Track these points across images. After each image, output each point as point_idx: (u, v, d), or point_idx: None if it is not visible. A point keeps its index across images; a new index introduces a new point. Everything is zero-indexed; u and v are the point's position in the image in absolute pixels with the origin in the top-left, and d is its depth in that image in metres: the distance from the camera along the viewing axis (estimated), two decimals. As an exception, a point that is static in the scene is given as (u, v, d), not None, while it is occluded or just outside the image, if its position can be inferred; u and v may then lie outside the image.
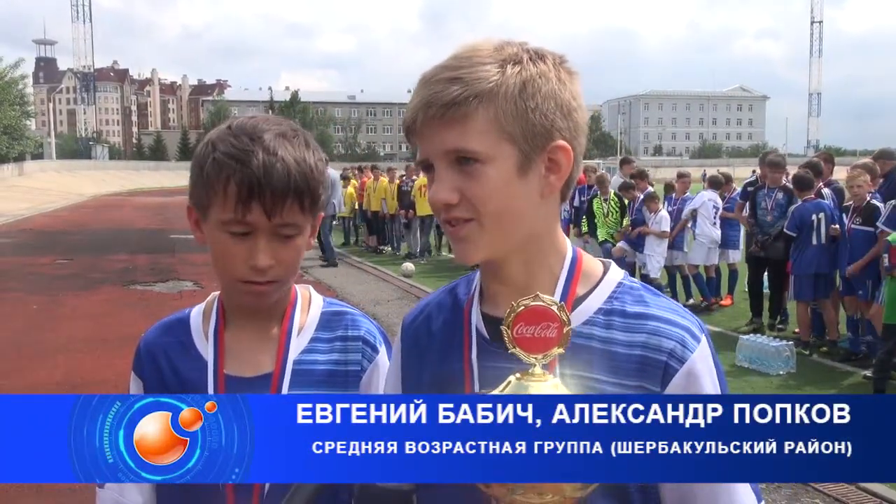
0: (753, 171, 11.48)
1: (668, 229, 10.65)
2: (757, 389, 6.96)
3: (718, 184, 11.11)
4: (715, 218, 10.62)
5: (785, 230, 8.27)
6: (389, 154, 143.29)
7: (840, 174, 9.87)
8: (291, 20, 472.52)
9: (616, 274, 1.22)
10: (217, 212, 1.35)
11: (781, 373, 7.43)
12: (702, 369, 1.13)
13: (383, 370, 1.46)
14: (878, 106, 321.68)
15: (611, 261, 1.26)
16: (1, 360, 8.18)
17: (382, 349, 1.50)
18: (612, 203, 11.53)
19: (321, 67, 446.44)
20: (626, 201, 11.37)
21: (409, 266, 14.47)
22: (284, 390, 1.40)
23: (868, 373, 7.28)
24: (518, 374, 1.04)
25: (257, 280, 1.35)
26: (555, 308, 1.03)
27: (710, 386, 1.13)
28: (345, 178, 20.83)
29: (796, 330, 8.87)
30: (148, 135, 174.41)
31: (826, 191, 8.64)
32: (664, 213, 10.81)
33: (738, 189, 11.15)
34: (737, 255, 11.01)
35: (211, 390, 1.39)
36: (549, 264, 1.19)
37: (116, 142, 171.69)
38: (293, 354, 1.44)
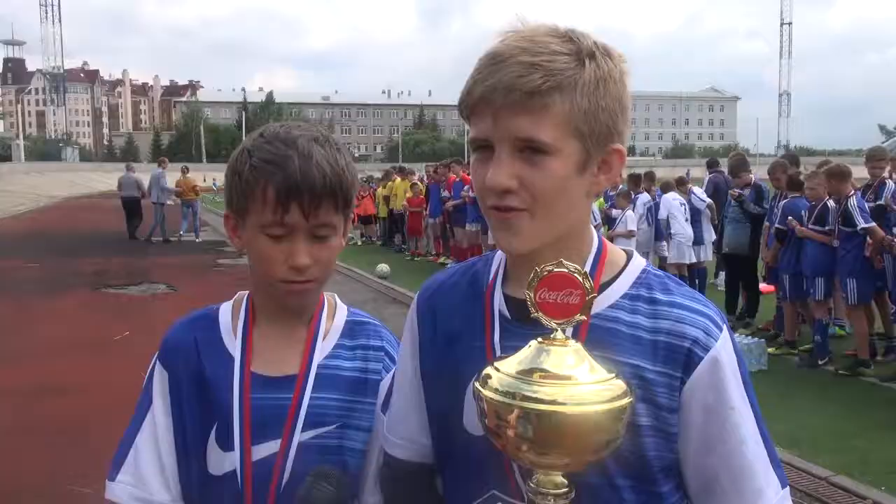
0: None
1: (634, 228, 10.76)
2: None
3: (678, 183, 11.37)
4: (686, 214, 10.76)
5: (778, 225, 8.26)
6: (364, 155, 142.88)
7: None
8: (267, 19, 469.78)
9: (639, 262, 1.24)
10: (256, 216, 1.40)
11: (753, 370, 7.53)
12: (725, 358, 1.15)
13: None
14: (847, 107, 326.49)
15: (633, 250, 1.28)
16: (-30, 364, 8.04)
17: None
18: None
19: (295, 67, 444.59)
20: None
21: (383, 267, 14.47)
22: (308, 392, 1.43)
23: (840, 370, 7.41)
24: (540, 339, 1.02)
25: (297, 279, 1.40)
26: (578, 275, 1.01)
27: (732, 375, 1.16)
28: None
29: (760, 325, 9.10)
30: (119, 136, 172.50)
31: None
32: (630, 212, 10.94)
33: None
34: (707, 253, 11.15)
35: (237, 387, 1.42)
36: (579, 253, 1.20)
37: (87, 143, 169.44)
38: (318, 358, 1.47)
